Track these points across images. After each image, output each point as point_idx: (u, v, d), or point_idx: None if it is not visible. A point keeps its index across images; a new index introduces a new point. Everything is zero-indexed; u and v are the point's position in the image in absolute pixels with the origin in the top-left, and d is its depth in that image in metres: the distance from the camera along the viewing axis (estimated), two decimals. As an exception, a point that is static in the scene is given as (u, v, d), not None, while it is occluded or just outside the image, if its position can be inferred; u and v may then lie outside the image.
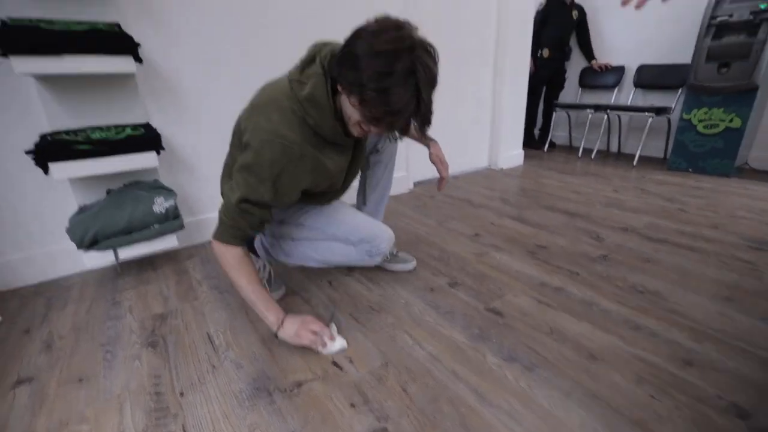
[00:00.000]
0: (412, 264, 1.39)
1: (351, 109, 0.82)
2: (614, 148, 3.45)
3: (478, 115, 2.68)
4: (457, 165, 2.70)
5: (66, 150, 1.10)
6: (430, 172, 2.52)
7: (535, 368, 0.92)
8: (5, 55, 0.96)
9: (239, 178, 0.88)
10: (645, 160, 3.07)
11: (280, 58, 1.65)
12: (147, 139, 1.23)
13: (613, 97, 3.31)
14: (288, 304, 1.20)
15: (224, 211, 0.91)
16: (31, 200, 1.30)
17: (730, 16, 2.33)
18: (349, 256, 1.15)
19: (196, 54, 1.46)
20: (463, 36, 2.39)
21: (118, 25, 1.17)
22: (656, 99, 3.09)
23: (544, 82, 3.41)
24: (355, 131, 0.89)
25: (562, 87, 3.52)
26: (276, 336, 0.97)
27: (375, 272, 1.38)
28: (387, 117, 0.76)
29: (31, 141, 1.23)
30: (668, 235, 1.61)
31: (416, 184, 2.48)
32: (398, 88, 0.72)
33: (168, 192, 1.34)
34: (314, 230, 1.12)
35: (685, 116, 2.61)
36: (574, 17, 3.19)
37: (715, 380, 0.86)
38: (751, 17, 2.26)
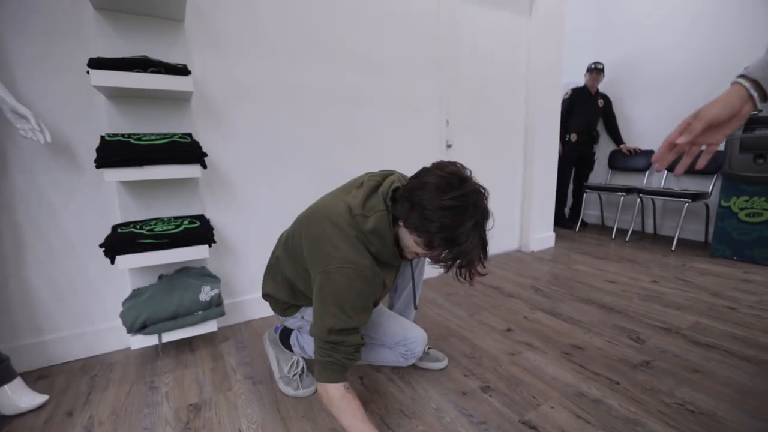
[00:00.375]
0: (443, 363, 1.37)
1: (412, 243, 0.91)
2: (649, 228, 3.37)
3: (509, 198, 2.76)
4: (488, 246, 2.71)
5: (132, 245, 1.24)
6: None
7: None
8: (100, 167, 1.15)
9: (321, 312, 0.90)
10: (685, 244, 2.96)
11: (316, 159, 1.84)
12: (202, 232, 1.36)
13: (644, 180, 3.32)
14: (318, 401, 1.20)
15: (318, 352, 0.92)
16: (93, 282, 1.43)
17: (759, 111, 2.38)
18: (384, 358, 1.17)
19: (246, 152, 1.66)
20: (494, 124, 2.57)
21: (190, 135, 1.37)
22: (690, 183, 3.07)
23: (573, 164, 3.50)
24: (411, 256, 0.97)
25: (591, 168, 3.59)
26: None
27: (406, 369, 1.37)
28: (454, 259, 0.86)
29: (103, 229, 1.40)
30: (718, 340, 1.51)
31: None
32: (465, 237, 0.82)
33: (214, 280, 1.44)
34: None
35: (724, 203, 2.56)
36: (600, 105, 3.36)
37: None
38: (781, 112, 2.30)
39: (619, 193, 3.16)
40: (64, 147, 1.33)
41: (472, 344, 1.53)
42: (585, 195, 3.57)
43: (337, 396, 0.91)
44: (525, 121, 2.74)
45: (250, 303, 1.76)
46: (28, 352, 1.35)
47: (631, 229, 3.24)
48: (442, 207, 0.81)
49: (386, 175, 1.02)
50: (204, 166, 1.35)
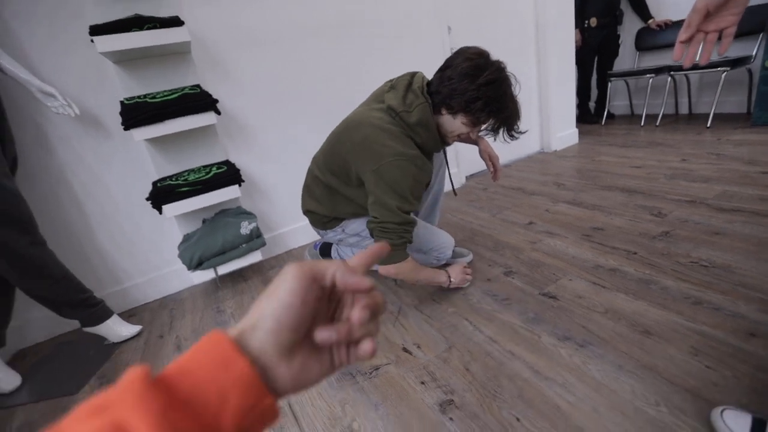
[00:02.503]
0: (468, 258, 1.51)
1: (459, 125, 1.05)
2: (684, 109, 3.18)
3: (524, 98, 2.68)
4: (507, 153, 2.72)
5: (173, 194, 1.40)
6: (481, 165, 2.59)
7: (589, 345, 0.99)
8: (128, 128, 1.27)
9: (385, 201, 1.02)
10: (723, 119, 2.80)
11: (325, 95, 1.86)
12: (230, 174, 1.50)
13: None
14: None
15: (392, 236, 1.05)
16: (148, 235, 1.64)
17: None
18: (420, 262, 1.32)
19: (257, 97, 1.72)
20: (501, 22, 2.42)
21: (199, 86, 1.44)
22: (732, 49, 2.80)
23: (595, 52, 3.26)
24: (453, 140, 1.13)
25: (616, 54, 3.32)
26: (448, 287, 1.27)
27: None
28: (500, 126, 1.04)
29: (146, 188, 1.57)
30: (744, 204, 1.53)
31: (468, 178, 2.57)
32: (506, 104, 0.99)
33: (250, 216, 1.61)
34: None
35: (767, 64, 2.36)
36: (621, -22, 3.01)
37: None
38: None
39: (648, 76, 2.96)
40: (92, 118, 1.45)
41: (495, 240, 1.65)
42: (610, 84, 3.36)
43: (411, 262, 1.13)
44: (535, 15, 2.54)
45: (288, 234, 1.95)
46: (113, 298, 1.62)
47: (661, 113, 3.08)
48: (485, 83, 0.96)
49: (412, 74, 1.11)
50: (218, 113, 1.44)
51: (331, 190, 1.19)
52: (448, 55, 2.32)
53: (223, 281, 1.75)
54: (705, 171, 1.92)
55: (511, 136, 1.07)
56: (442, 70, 1.03)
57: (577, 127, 2.94)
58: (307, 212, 1.31)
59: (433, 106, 1.05)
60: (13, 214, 1.13)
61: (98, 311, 1.35)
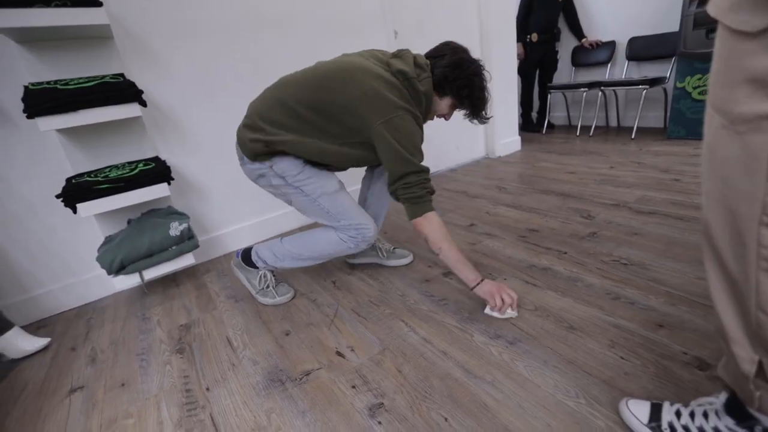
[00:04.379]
0: (408, 258, 1.50)
1: (444, 107, 1.18)
2: (613, 122, 3.45)
3: (469, 107, 2.75)
4: (454, 158, 2.78)
5: (89, 191, 1.26)
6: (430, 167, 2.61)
7: (518, 342, 1.01)
8: (31, 117, 1.13)
9: (402, 153, 1.06)
10: (645, 132, 3.06)
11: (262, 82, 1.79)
12: (158, 172, 1.38)
13: (607, 73, 3.31)
14: (296, 305, 1.33)
15: (416, 189, 1.09)
16: (63, 236, 1.47)
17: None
18: (333, 244, 1.23)
19: (192, 90, 1.61)
20: (445, 30, 2.47)
21: (123, 75, 1.32)
22: (650, 70, 3.08)
23: (536, 66, 3.44)
24: (430, 119, 1.23)
25: (555, 68, 3.54)
26: (472, 289, 1.13)
27: (375, 269, 1.49)
28: (476, 111, 1.18)
29: (59, 186, 1.41)
30: (659, 207, 1.66)
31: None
32: (485, 95, 1.17)
33: (181, 216, 1.49)
34: (310, 196, 1.17)
35: (679, 84, 2.60)
36: (560, 0, 3.22)
37: (683, 339, 0.93)
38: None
39: (582, 89, 3.17)
40: (-9, 104, 1.28)
41: (437, 243, 1.65)
42: (549, 96, 3.57)
43: (439, 220, 1.12)
44: (479, 25, 2.63)
45: (226, 237, 1.84)
46: (19, 308, 1.43)
47: (594, 125, 3.31)
48: (473, 74, 1.11)
49: (409, 51, 1.15)
50: (143, 104, 1.32)
51: (301, 121, 1.08)
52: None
53: (151, 287, 1.61)
54: (628, 177, 2.07)
55: (482, 121, 1.20)
56: (432, 58, 1.13)
57: (520, 135, 3.07)
58: (239, 140, 1.16)
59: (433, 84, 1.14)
60: None
61: (-6, 323, 1.18)
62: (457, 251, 1.12)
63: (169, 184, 1.41)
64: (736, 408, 0.58)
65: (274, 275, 1.38)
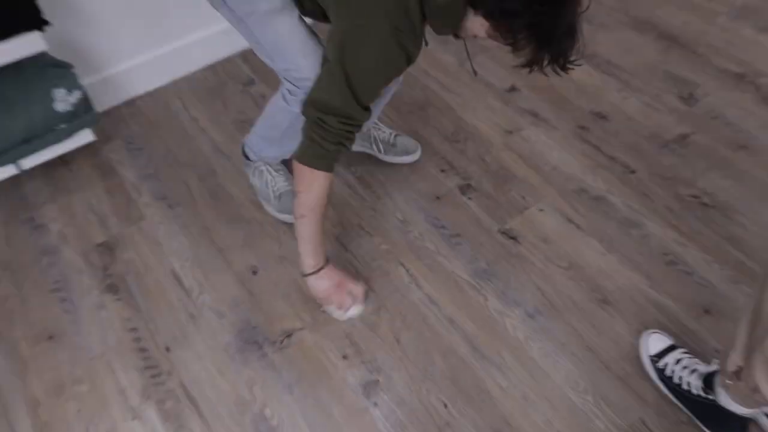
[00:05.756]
0: (415, 155, 1.42)
1: (476, 27, 0.90)
2: None
3: None
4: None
5: None
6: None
7: (538, 315, 1.12)
8: None
9: (345, 89, 0.93)
10: None
11: None
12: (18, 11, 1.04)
13: None
14: (260, 221, 1.30)
15: (329, 137, 0.97)
16: None
17: None
18: (280, 110, 1.15)
19: None
20: None
21: None
22: None
23: None
24: (467, 37, 0.99)
25: None
26: (304, 276, 1.09)
27: (367, 167, 1.42)
28: (541, 58, 0.86)
29: None
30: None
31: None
32: (557, 36, 0.82)
33: (65, 73, 1.23)
34: (234, 12, 1.05)
35: None
36: None
37: (726, 333, 0.96)
38: None
39: None
40: None
41: (457, 117, 1.52)
42: None
43: (324, 187, 1.01)
44: None
45: (128, 74, 1.60)
46: None
47: None
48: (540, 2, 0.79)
49: None
50: None
51: None
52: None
53: (32, 174, 1.42)
54: None
55: (558, 69, 0.92)
56: None
57: None
58: None
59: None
60: None
61: None
62: (316, 229, 1.05)
63: (42, 30, 1.12)
64: (709, 378, 0.87)
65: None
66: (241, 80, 1.69)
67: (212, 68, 1.75)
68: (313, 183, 1.00)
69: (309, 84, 1.00)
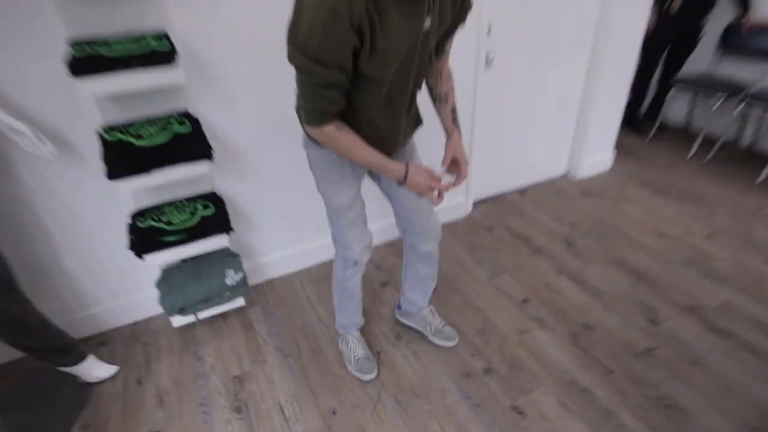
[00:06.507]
0: (454, 341, 1.88)
1: None
2: (747, 139, 3.39)
3: (561, 115, 2.86)
4: (528, 173, 2.98)
5: (156, 243, 1.65)
6: (494, 190, 2.86)
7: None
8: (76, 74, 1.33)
9: (290, 28, 0.97)
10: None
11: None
12: (218, 221, 1.74)
13: (762, 74, 3.11)
14: (341, 375, 1.77)
15: (305, 92, 1.07)
16: (119, 258, 1.91)
17: None
18: (335, 268, 1.63)
19: (252, 121, 1.87)
20: (553, 26, 2.48)
21: (167, 36, 1.52)
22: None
23: (668, 43, 3.32)
24: None
25: (693, 48, 3.34)
26: (400, 182, 1.25)
27: (420, 345, 1.90)
28: None
29: (121, 208, 1.78)
30: (738, 327, 1.90)
31: (476, 205, 2.85)
32: None
33: (236, 261, 1.90)
34: (315, 172, 1.40)
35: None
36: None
37: None
38: None
39: (718, 95, 3.10)
40: (61, 140, 1.61)
41: (485, 318, 2.02)
42: (672, 91, 3.48)
43: (333, 131, 1.11)
44: (599, 13, 2.56)
45: (270, 263, 2.28)
46: (82, 324, 1.96)
47: (717, 146, 3.28)
48: None
49: None
50: (210, 158, 1.63)
51: None
52: (481, 60, 2.37)
53: (203, 321, 2.09)
54: (724, 263, 2.26)
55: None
56: None
57: (619, 135, 3.11)
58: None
59: None
60: None
61: (74, 354, 1.69)
62: (373, 152, 1.18)
63: (228, 234, 1.78)
64: None
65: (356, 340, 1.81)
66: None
67: (324, 264, 2.44)
68: (333, 139, 1.13)
69: (342, 253, 1.51)
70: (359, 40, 0.94)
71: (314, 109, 1.07)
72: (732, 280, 2.15)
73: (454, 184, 1.33)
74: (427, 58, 1.17)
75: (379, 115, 1.18)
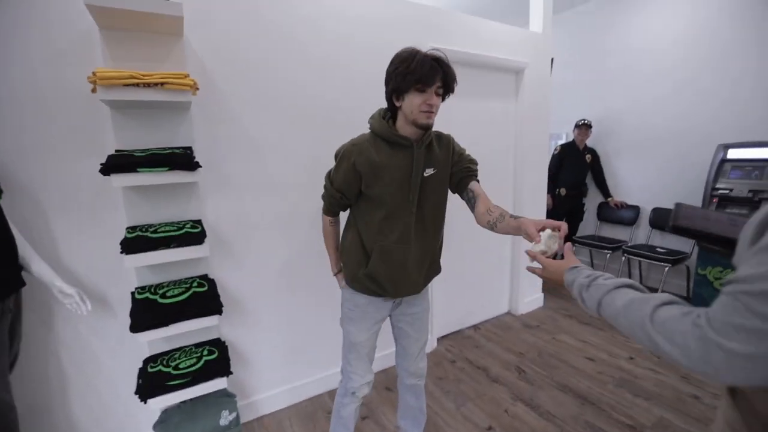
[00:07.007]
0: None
1: (406, 105, 1.42)
2: (637, 279, 4.20)
3: (498, 262, 3.47)
4: (479, 314, 3.43)
5: (162, 387, 1.75)
6: (455, 324, 3.25)
7: None
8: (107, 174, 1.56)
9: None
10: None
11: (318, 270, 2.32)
12: (219, 366, 1.88)
13: (631, 234, 4.14)
14: None
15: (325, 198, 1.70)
16: (124, 401, 1.96)
17: (731, 190, 3.17)
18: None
19: (258, 278, 2.20)
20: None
21: (200, 222, 1.89)
22: (674, 241, 3.87)
23: (563, 216, 4.26)
24: (421, 118, 1.41)
25: (581, 219, 4.42)
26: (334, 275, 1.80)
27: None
28: (417, 80, 1.35)
29: (133, 345, 1.90)
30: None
31: (440, 341, 3.16)
32: (417, 62, 1.35)
33: (230, 401, 1.98)
34: (342, 308, 1.75)
35: (700, 271, 3.32)
36: (588, 160, 4.16)
37: None
38: (750, 195, 3.08)
39: (605, 251, 3.97)
40: (97, 297, 1.82)
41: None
42: (574, 248, 4.36)
43: (327, 222, 1.75)
44: (513, 177, 3.41)
45: (261, 401, 2.36)
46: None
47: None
48: (394, 59, 1.42)
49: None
50: (219, 312, 1.87)
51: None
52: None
53: None
54: (648, 381, 2.60)
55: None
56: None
57: (543, 291, 3.78)
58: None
59: (389, 108, 1.53)
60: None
61: None
62: (330, 243, 1.78)
63: (227, 377, 1.92)
64: None
65: None
66: (326, 409, 2.43)
67: (310, 400, 2.52)
68: (324, 224, 1.74)
69: (345, 382, 1.73)
70: (359, 177, 1.51)
71: (324, 205, 1.70)
72: (658, 398, 2.44)
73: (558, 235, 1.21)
74: (438, 199, 1.65)
75: (389, 229, 1.54)
